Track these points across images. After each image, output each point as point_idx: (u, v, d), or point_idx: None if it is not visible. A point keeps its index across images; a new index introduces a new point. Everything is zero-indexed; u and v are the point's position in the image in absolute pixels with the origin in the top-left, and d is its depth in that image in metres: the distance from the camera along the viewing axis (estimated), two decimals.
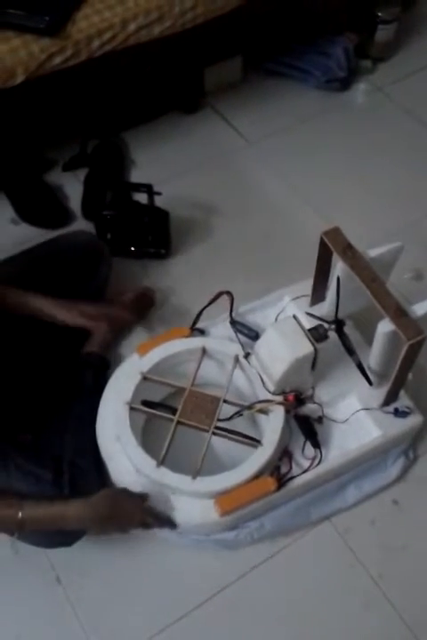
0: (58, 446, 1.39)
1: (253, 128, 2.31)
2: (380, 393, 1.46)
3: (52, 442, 1.41)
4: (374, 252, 1.40)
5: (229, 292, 1.60)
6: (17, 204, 2.04)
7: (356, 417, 1.47)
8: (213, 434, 1.40)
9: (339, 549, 1.44)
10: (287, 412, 1.43)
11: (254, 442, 1.39)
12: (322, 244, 1.43)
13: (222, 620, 1.36)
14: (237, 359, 1.50)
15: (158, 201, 1.91)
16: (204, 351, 1.52)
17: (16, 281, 1.50)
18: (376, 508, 1.49)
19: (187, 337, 1.56)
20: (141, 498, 1.32)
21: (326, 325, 1.44)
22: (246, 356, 1.50)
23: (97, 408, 1.48)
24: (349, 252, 1.35)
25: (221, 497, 1.34)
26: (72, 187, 2.10)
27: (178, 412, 1.42)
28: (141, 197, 1.92)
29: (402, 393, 1.49)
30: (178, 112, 2.33)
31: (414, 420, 1.49)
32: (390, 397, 1.45)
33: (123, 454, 1.40)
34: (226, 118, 2.35)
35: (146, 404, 1.46)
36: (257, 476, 1.37)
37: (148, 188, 1.90)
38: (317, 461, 1.40)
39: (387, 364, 1.41)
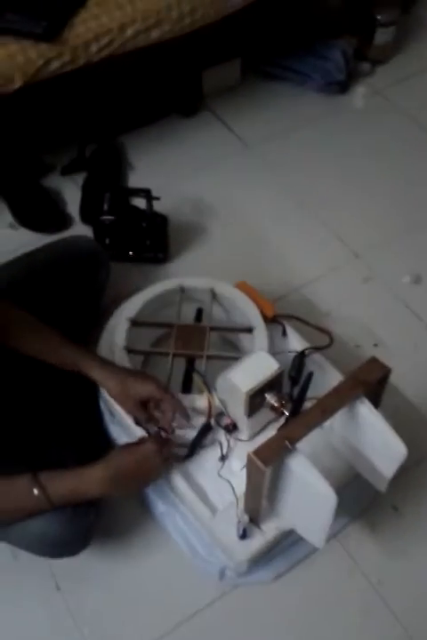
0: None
1: (251, 131, 2.31)
2: None
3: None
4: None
5: None
6: (15, 208, 2.04)
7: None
8: (208, 358, 1.46)
9: (338, 556, 1.43)
10: None
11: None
12: None
13: (223, 626, 1.35)
14: (213, 292, 1.57)
15: (157, 205, 1.90)
16: (182, 290, 1.59)
17: (15, 285, 1.49)
18: (376, 514, 1.48)
19: None
20: (157, 442, 1.28)
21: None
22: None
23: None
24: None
25: None
26: (70, 191, 2.10)
27: (172, 347, 1.49)
28: (140, 202, 1.92)
29: None
30: (177, 115, 2.32)
31: None
32: None
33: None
34: (225, 122, 2.34)
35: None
36: None
37: (146, 193, 1.89)
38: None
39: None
